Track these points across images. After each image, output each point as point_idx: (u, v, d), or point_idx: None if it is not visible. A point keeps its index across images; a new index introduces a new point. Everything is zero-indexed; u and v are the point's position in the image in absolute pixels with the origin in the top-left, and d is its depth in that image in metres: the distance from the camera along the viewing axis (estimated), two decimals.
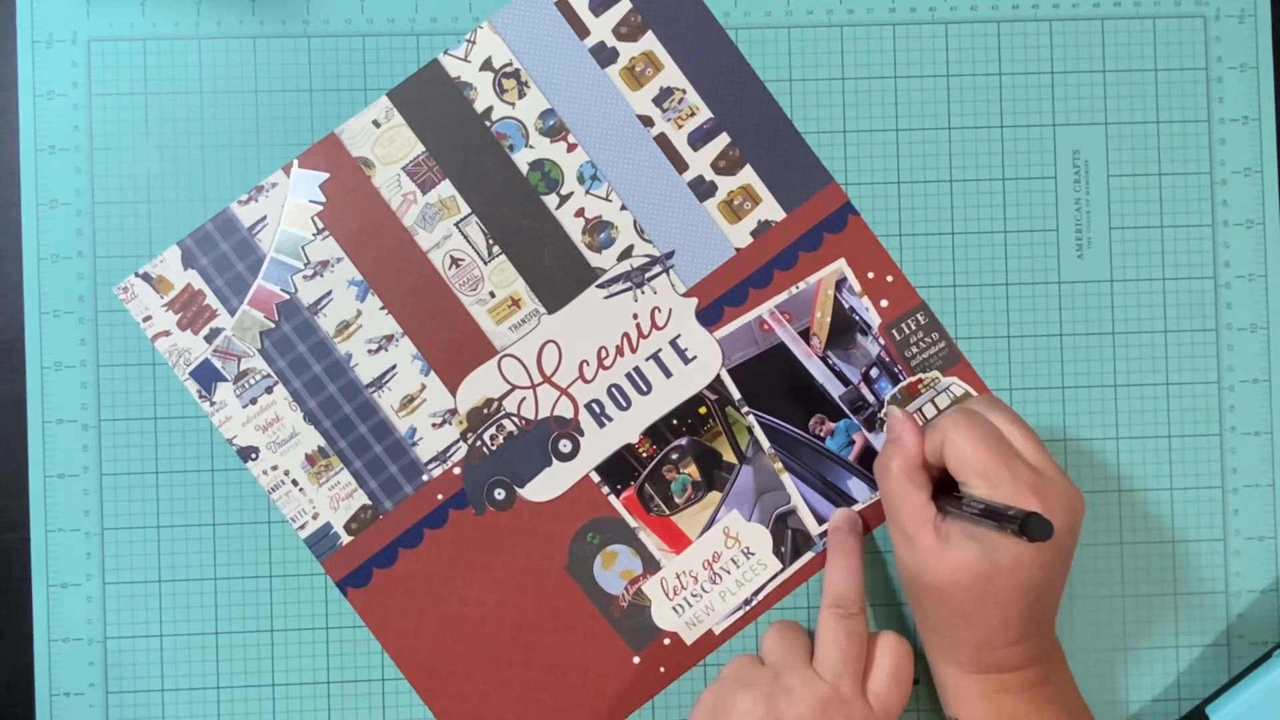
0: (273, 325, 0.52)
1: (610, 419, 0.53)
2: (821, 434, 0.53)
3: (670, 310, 0.53)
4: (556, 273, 0.53)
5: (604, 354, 0.53)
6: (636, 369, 0.53)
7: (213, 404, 0.52)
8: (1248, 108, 0.54)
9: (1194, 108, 0.54)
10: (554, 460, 0.52)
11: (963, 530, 0.45)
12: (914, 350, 0.53)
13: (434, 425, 0.52)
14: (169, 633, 0.52)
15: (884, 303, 0.53)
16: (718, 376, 0.53)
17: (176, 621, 0.52)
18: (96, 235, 0.52)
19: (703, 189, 0.53)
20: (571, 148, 0.53)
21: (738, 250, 0.53)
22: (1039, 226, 0.54)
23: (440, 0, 0.53)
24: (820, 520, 0.53)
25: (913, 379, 0.53)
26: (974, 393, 0.53)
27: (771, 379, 0.53)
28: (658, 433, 0.53)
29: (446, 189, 0.52)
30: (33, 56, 0.52)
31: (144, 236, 0.52)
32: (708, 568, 0.52)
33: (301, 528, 0.52)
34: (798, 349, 0.53)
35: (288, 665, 0.52)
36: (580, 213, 0.53)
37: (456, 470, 0.52)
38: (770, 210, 0.53)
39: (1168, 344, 0.54)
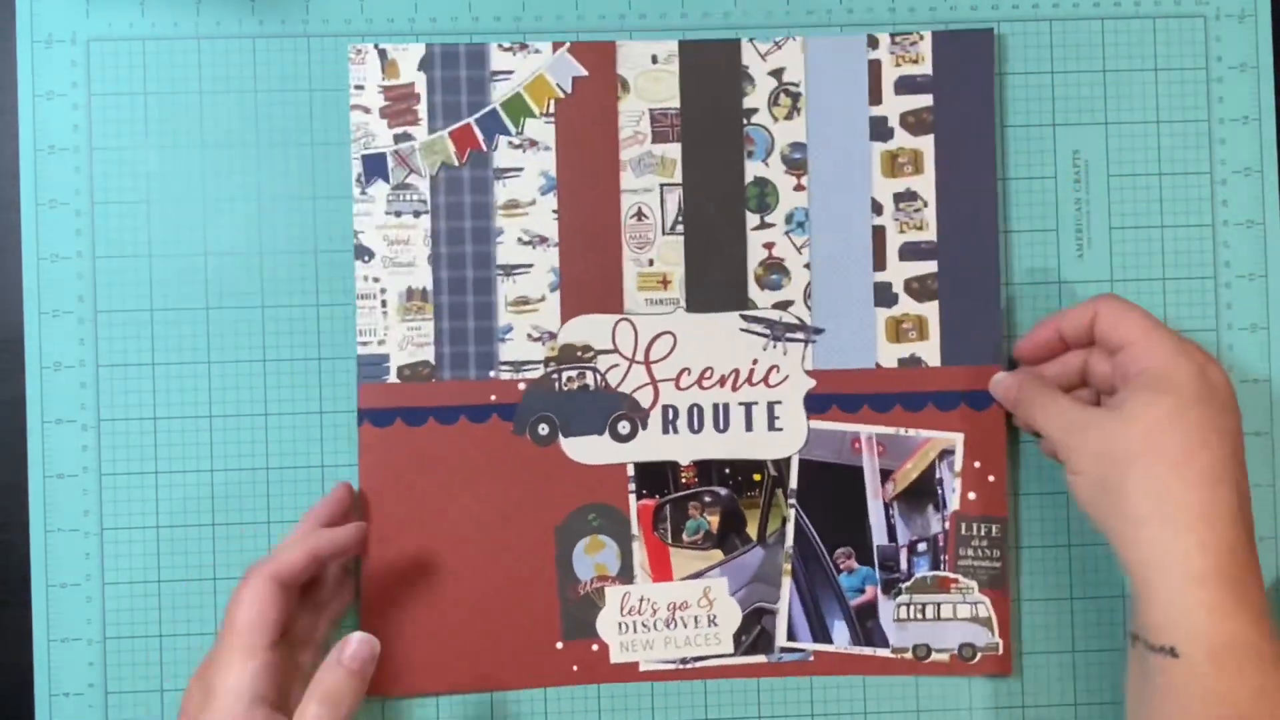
0: (456, 164, 0.53)
1: (676, 431, 0.53)
2: (842, 566, 0.52)
3: (787, 377, 0.53)
4: (716, 281, 0.53)
5: (708, 374, 0.53)
6: (726, 405, 0.53)
7: (363, 194, 0.52)
8: (1248, 108, 0.54)
9: (1194, 108, 0.54)
10: (606, 433, 0.53)
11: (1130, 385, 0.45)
12: (969, 554, 0.52)
13: (530, 337, 0.52)
14: (169, 633, 0.52)
15: (971, 495, 0.53)
16: (788, 459, 0.53)
17: (176, 621, 0.52)
18: (96, 235, 0.52)
19: (885, 297, 0.53)
20: (800, 188, 0.53)
21: (878, 367, 0.53)
22: (1039, 226, 0.54)
23: (440, 0, 0.53)
24: (791, 637, 0.52)
25: (949, 575, 0.52)
26: (994, 618, 0.52)
27: (832, 492, 0.53)
28: (707, 470, 0.53)
29: (673, 150, 0.53)
30: (32, 56, 0.52)
31: (143, 236, 0.52)
32: (671, 610, 0.52)
33: (363, 345, 0.52)
34: (871, 483, 0.53)
35: None
36: (769, 246, 0.53)
37: (521, 385, 0.52)
38: (929, 352, 0.53)
39: None
